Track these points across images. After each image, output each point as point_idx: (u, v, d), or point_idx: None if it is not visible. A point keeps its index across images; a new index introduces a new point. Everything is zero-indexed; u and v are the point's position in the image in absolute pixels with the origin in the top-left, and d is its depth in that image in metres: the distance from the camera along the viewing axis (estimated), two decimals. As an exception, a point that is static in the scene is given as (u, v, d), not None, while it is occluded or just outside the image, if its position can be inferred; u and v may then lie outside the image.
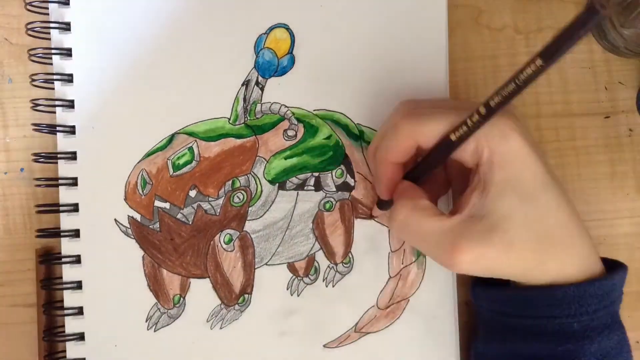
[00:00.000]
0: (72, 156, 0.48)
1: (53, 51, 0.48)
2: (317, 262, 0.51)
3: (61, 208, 0.48)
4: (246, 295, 0.50)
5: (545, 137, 0.54)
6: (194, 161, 0.49)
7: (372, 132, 0.51)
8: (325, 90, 0.50)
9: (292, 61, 0.50)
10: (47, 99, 0.48)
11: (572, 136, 0.54)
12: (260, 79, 0.50)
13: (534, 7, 0.54)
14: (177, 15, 0.49)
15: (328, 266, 0.51)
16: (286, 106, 0.50)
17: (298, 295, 0.50)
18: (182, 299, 0.49)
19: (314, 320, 0.51)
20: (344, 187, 0.51)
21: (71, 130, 0.48)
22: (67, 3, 0.48)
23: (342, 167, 0.50)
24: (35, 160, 0.48)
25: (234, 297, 0.50)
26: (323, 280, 0.51)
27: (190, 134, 0.49)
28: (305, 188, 0.50)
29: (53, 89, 0.49)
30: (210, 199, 0.49)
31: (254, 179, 0.50)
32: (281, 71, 0.50)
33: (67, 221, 0.49)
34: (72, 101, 0.48)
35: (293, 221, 0.50)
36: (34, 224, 0.50)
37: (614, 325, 0.43)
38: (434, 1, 0.51)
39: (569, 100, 0.54)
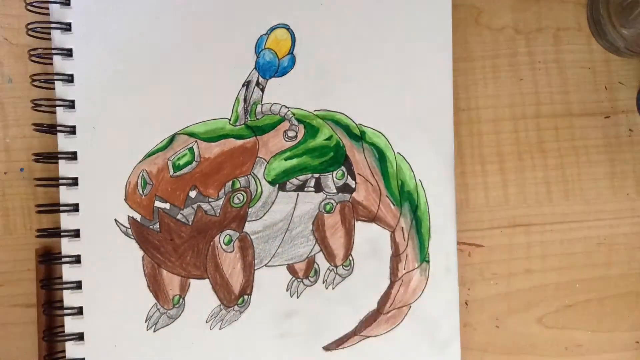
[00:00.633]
0: (73, 156, 0.48)
1: (54, 51, 0.48)
2: (317, 264, 0.51)
3: (61, 208, 0.48)
4: (246, 296, 0.50)
5: (545, 137, 0.54)
6: (194, 162, 0.49)
7: (374, 133, 0.51)
8: (326, 90, 0.50)
9: (293, 62, 0.50)
10: (47, 99, 0.48)
11: (572, 136, 0.54)
12: (260, 79, 0.49)
13: (534, 7, 0.54)
14: (177, 15, 0.49)
15: (328, 268, 0.51)
16: (287, 107, 0.50)
17: (298, 297, 0.50)
18: (181, 299, 0.49)
19: (313, 322, 0.51)
20: (345, 188, 0.51)
21: (72, 130, 0.48)
22: (68, 3, 0.48)
23: (343, 168, 0.50)
24: (36, 160, 0.48)
25: (234, 298, 0.50)
26: (323, 282, 0.51)
27: (191, 135, 0.49)
28: (305, 189, 0.50)
29: (53, 89, 0.48)
30: (210, 199, 0.49)
31: (254, 180, 0.50)
32: (282, 72, 0.50)
33: (67, 221, 0.49)
34: (73, 101, 0.48)
35: (293, 222, 0.50)
36: (34, 224, 0.50)
37: None
38: (438, 0, 0.51)
39: (569, 100, 0.54)
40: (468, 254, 0.53)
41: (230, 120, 0.49)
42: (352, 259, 0.51)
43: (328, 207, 0.50)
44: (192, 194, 0.49)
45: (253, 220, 0.50)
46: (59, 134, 0.48)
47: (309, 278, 0.50)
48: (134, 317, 0.49)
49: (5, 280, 0.50)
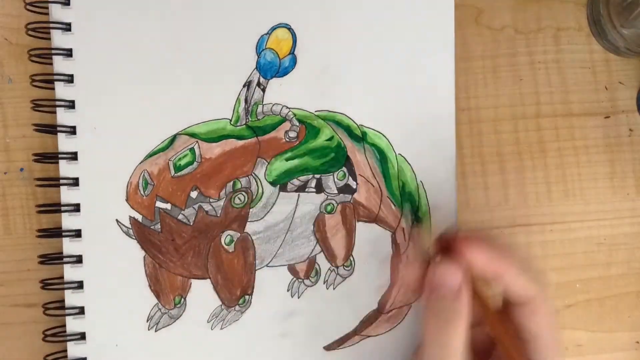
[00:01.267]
0: (74, 157, 0.48)
1: (54, 51, 0.48)
2: (318, 265, 0.51)
3: (63, 208, 0.48)
4: (247, 297, 0.50)
5: (545, 137, 0.54)
6: (195, 162, 0.49)
7: (375, 133, 0.51)
8: (327, 91, 0.50)
9: (294, 62, 0.50)
10: (48, 99, 0.48)
11: (572, 136, 0.54)
12: (261, 79, 0.49)
13: (534, 7, 0.54)
14: (178, 15, 0.49)
15: (329, 269, 0.51)
16: (288, 107, 0.50)
17: (299, 297, 0.50)
18: (183, 299, 0.49)
19: (314, 322, 0.51)
20: (346, 189, 0.51)
21: (72, 130, 0.48)
22: (67, 3, 0.48)
23: (344, 169, 0.50)
24: (37, 161, 0.48)
25: (235, 298, 0.50)
26: (324, 283, 0.51)
27: (192, 135, 0.49)
28: (306, 190, 0.50)
29: (53, 89, 0.48)
30: (211, 200, 0.49)
31: (255, 181, 0.50)
32: (283, 72, 0.50)
33: (68, 221, 0.49)
34: (73, 102, 0.48)
35: (294, 223, 0.50)
36: (34, 224, 0.50)
37: None
38: (440, 1, 0.51)
39: (569, 100, 0.54)
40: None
41: (231, 120, 0.49)
42: (353, 259, 0.51)
43: (329, 207, 0.50)
44: (193, 194, 0.49)
45: (254, 221, 0.50)
46: (59, 134, 0.48)
47: (310, 278, 0.50)
48: (135, 317, 0.49)
49: (5, 280, 0.50)
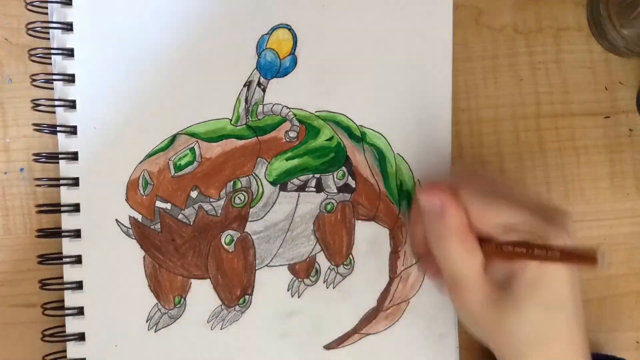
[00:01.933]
0: (74, 156, 0.48)
1: (55, 51, 0.48)
2: (318, 264, 0.51)
3: (62, 208, 0.48)
4: (247, 296, 0.50)
5: (545, 137, 0.54)
6: (195, 162, 0.49)
7: (374, 134, 0.51)
8: (327, 91, 0.50)
9: (294, 62, 0.50)
10: (48, 99, 0.48)
11: (572, 136, 0.54)
12: (262, 79, 0.49)
13: (534, 7, 0.54)
14: (179, 15, 0.49)
15: (329, 268, 0.51)
16: (288, 107, 0.50)
17: (299, 297, 0.50)
18: (182, 299, 0.49)
19: (314, 322, 0.51)
20: (345, 188, 0.51)
21: (72, 130, 0.48)
22: (69, 3, 0.48)
23: (344, 168, 0.51)
24: (37, 160, 0.48)
25: (235, 298, 0.50)
26: (324, 282, 0.51)
27: (192, 135, 0.49)
28: (306, 189, 0.50)
29: (53, 89, 0.48)
30: (211, 199, 0.49)
31: (256, 180, 0.50)
32: (283, 72, 0.50)
33: (68, 221, 0.48)
34: (74, 101, 0.48)
35: (294, 222, 0.50)
36: (34, 224, 0.50)
37: None
38: (439, 1, 0.51)
39: (569, 100, 0.54)
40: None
41: (231, 120, 0.49)
42: (353, 257, 0.51)
43: (329, 207, 0.50)
44: (193, 194, 0.49)
45: (254, 221, 0.50)
46: (59, 134, 0.48)
47: (310, 278, 0.51)
48: (135, 317, 0.49)
49: (5, 280, 0.50)
